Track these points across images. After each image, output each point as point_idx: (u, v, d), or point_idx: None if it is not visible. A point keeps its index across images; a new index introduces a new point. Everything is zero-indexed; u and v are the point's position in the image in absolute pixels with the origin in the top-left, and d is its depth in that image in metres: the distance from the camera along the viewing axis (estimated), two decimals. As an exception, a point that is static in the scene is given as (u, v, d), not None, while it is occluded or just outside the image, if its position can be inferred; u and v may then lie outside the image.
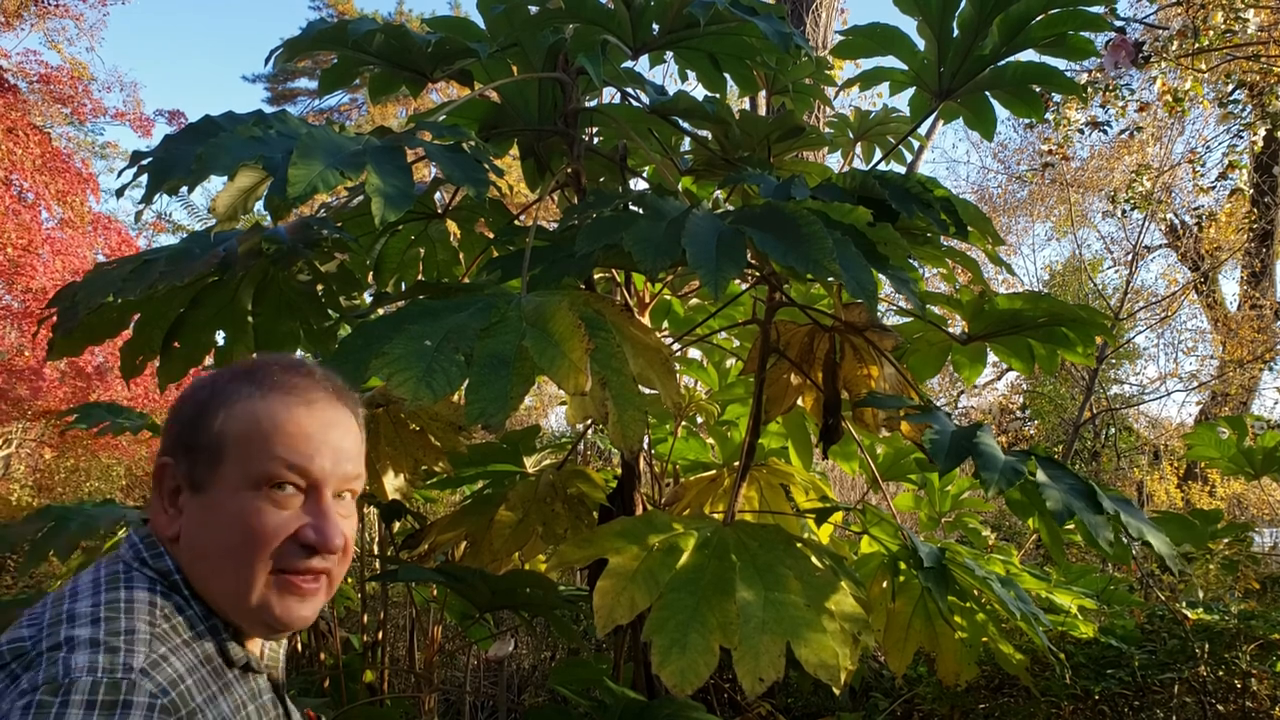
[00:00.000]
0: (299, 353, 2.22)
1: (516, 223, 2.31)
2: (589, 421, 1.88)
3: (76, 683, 0.69)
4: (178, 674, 0.75)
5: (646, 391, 1.52)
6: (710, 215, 1.62)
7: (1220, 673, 2.70)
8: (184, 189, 1.49)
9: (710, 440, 3.15)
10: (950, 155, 45.46)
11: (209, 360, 2.13)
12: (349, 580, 3.45)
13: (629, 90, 2.28)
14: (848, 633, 1.64)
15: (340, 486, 0.89)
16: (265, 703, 0.89)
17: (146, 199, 1.51)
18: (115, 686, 0.70)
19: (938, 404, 2.14)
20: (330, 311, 2.16)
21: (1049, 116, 7.54)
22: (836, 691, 1.61)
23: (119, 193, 1.58)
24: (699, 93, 2.29)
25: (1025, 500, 1.96)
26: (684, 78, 2.32)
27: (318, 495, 0.86)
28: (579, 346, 1.40)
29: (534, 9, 2.01)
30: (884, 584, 2.39)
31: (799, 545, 1.81)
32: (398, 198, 1.41)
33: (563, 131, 2.18)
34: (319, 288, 2.15)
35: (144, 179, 1.48)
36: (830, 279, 1.45)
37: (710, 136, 2.32)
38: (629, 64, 2.23)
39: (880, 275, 1.60)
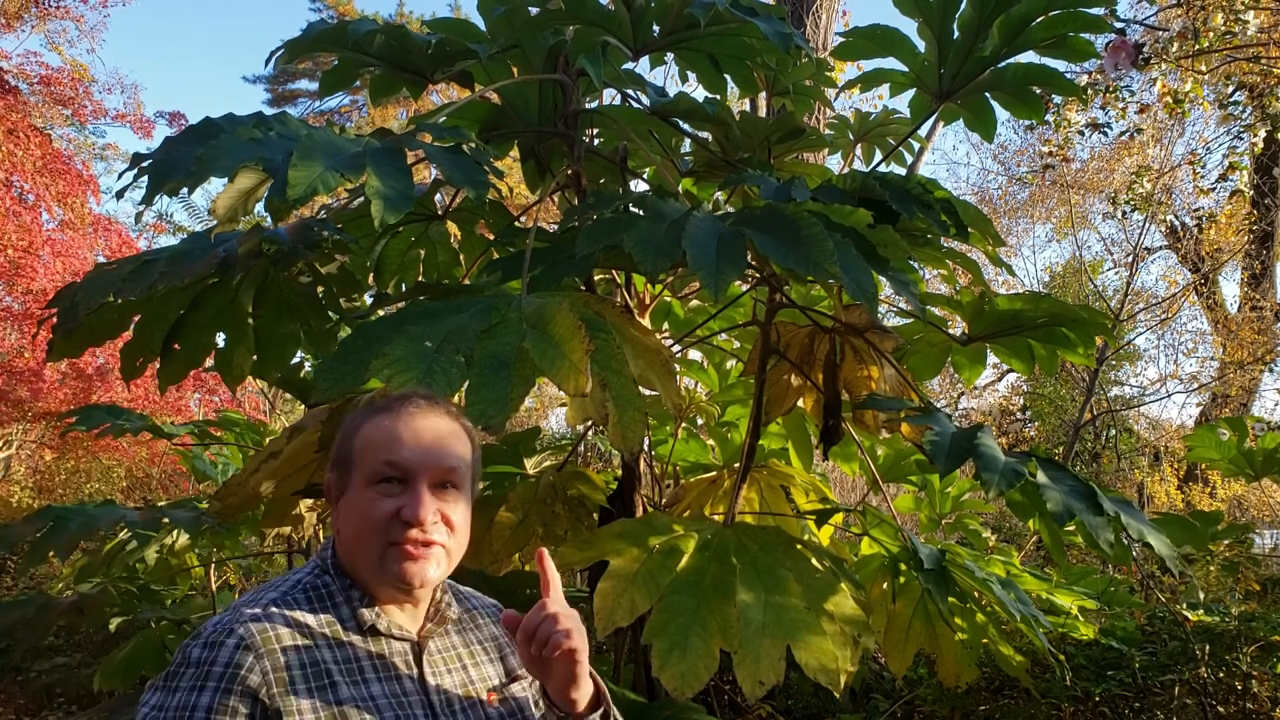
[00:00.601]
0: (299, 354, 2.22)
1: (517, 224, 2.31)
2: (589, 423, 1.88)
3: (205, 631, 1.00)
4: (272, 624, 1.01)
5: (647, 393, 1.52)
6: (710, 217, 1.62)
7: (1221, 674, 2.70)
8: (184, 190, 1.49)
9: (710, 442, 3.15)
10: (950, 157, 45.40)
11: (209, 362, 2.13)
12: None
13: (629, 92, 2.28)
14: (848, 635, 1.64)
15: (438, 477, 1.09)
16: (392, 662, 1.08)
17: (147, 200, 1.51)
18: (219, 631, 0.99)
19: (938, 405, 2.13)
20: (330, 313, 2.16)
21: (1049, 118, 7.53)
22: (837, 694, 1.61)
23: (119, 194, 1.59)
24: (699, 94, 2.29)
25: (1026, 502, 1.96)
26: (684, 79, 2.32)
27: (413, 483, 1.08)
28: (579, 348, 1.40)
29: (534, 10, 2.01)
30: (884, 586, 2.39)
31: (799, 547, 1.81)
32: (397, 200, 1.41)
33: (563, 133, 2.18)
34: (319, 289, 2.15)
35: (144, 180, 1.48)
36: (831, 281, 1.45)
37: (710, 138, 2.32)
38: (629, 65, 2.23)
39: (880, 277, 1.60)
